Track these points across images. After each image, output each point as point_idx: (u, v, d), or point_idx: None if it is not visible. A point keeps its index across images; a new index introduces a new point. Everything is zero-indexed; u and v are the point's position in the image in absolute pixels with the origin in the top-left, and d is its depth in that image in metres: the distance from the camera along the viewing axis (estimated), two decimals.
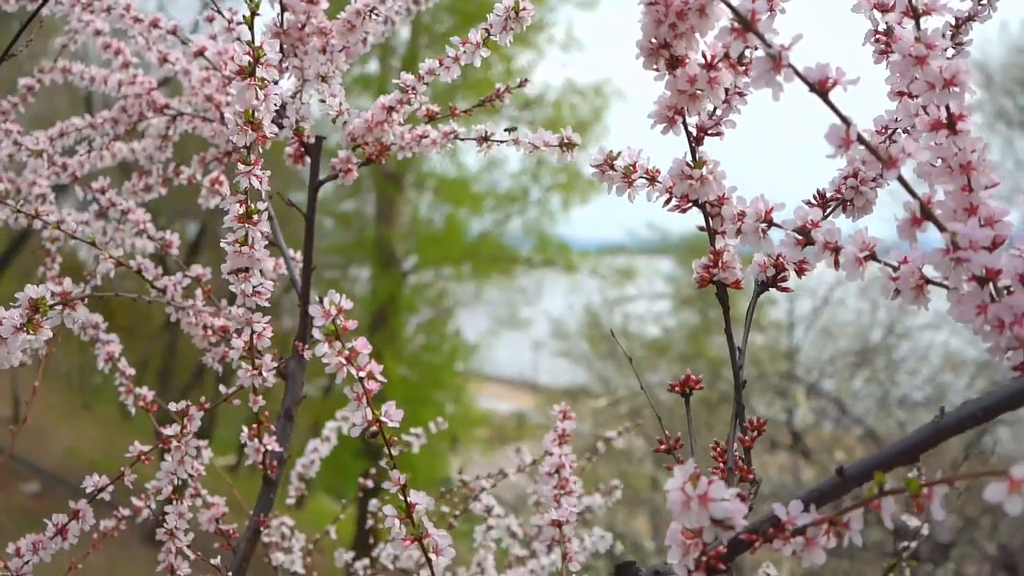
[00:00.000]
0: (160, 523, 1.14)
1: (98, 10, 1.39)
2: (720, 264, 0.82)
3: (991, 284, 0.66)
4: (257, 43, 0.92)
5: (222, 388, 1.16)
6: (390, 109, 1.23)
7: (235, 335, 1.13)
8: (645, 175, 0.83)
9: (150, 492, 1.30)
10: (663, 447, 0.89)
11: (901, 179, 0.65)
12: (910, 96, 0.73)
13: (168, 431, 1.09)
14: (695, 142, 0.79)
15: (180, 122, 1.50)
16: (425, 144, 1.27)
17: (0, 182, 1.51)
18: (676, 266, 10.44)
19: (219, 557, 1.18)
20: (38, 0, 1.34)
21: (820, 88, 0.64)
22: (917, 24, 0.70)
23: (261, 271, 1.05)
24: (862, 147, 0.65)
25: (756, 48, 0.67)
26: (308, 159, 1.29)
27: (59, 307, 0.93)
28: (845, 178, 0.86)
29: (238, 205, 0.99)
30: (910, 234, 0.67)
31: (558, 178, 10.54)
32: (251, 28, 0.91)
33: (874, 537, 6.20)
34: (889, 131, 0.86)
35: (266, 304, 1.08)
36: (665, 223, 9.78)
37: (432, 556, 0.84)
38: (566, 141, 1.15)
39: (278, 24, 1.19)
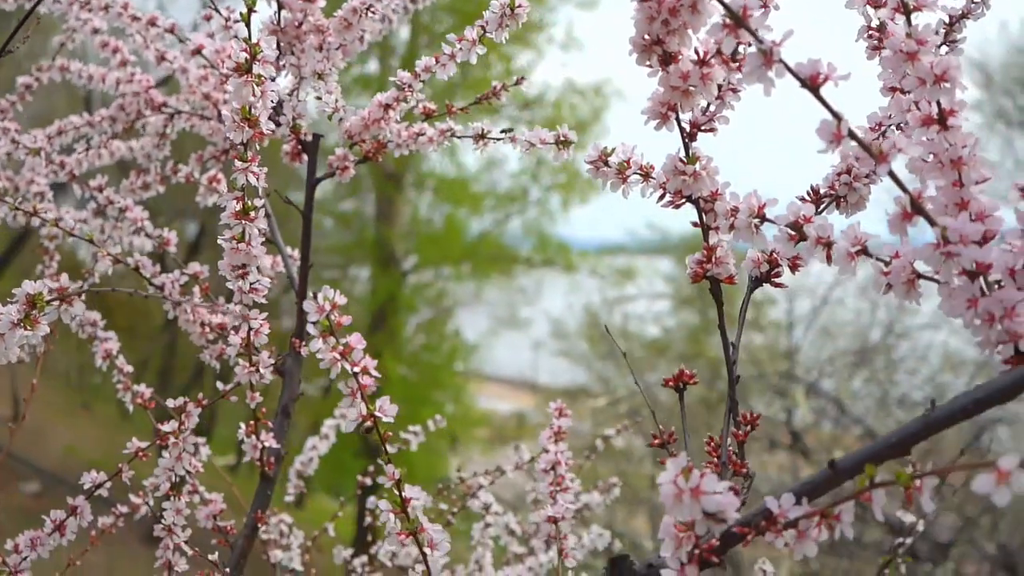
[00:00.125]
0: (158, 520, 1.14)
1: (96, 8, 1.39)
2: (713, 260, 0.82)
3: (982, 278, 0.66)
4: (254, 40, 0.92)
5: (220, 385, 1.16)
6: (387, 107, 1.23)
7: (232, 332, 1.13)
8: (639, 171, 0.84)
9: (148, 489, 1.31)
10: (657, 441, 0.89)
11: (892, 174, 0.66)
12: (902, 92, 0.73)
13: (166, 427, 1.10)
14: (688, 138, 0.80)
15: (178, 120, 1.51)
16: (422, 142, 1.27)
17: None
18: (676, 266, 10.43)
19: (216, 553, 1.18)
20: None
21: (811, 83, 0.64)
22: (908, 20, 0.70)
23: (259, 268, 1.05)
24: (854, 143, 0.66)
25: (749, 44, 0.67)
26: (305, 157, 1.29)
27: (56, 303, 0.93)
28: (839, 174, 0.87)
29: (235, 202, 0.99)
30: (901, 228, 0.67)
31: (558, 178, 10.55)
32: (248, 25, 0.92)
33: (873, 536, 6.20)
34: (883, 128, 0.87)
35: (263, 301, 1.08)
36: (665, 223, 9.78)
37: (427, 551, 0.85)
38: (562, 139, 1.16)
39: (275, 22, 1.19)
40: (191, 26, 1.58)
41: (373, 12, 1.19)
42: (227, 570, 1.16)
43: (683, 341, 9.50)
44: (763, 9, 0.71)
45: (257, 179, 0.98)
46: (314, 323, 0.80)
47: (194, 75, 1.45)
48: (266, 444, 1.19)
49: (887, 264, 0.70)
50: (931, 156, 0.70)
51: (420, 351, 11.11)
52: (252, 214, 1.00)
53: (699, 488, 0.63)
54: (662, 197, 0.82)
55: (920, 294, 0.70)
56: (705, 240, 0.82)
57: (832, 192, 0.87)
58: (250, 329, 1.10)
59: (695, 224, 0.82)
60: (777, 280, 0.85)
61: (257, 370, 1.13)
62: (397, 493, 0.86)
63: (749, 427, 0.83)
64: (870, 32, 0.80)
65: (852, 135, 0.65)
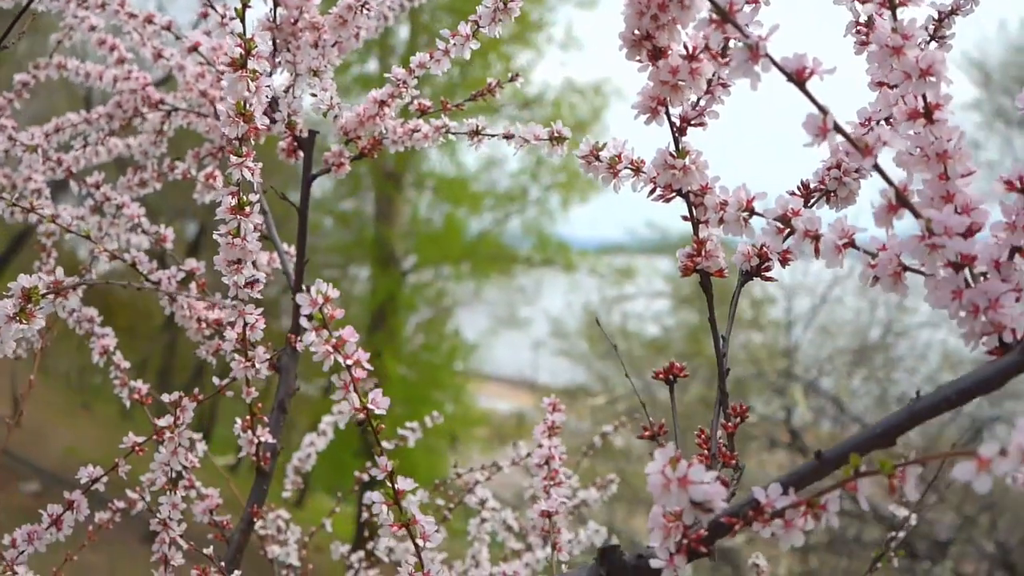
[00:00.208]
0: (154, 515, 1.15)
1: (93, 6, 1.40)
2: (703, 253, 0.83)
3: (967, 270, 0.67)
4: (248, 36, 0.93)
5: (216, 381, 1.17)
6: (382, 103, 1.24)
7: (228, 328, 1.14)
8: (630, 166, 0.84)
9: (145, 484, 1.32)
10: (647, 434, 0.90)
11: (877, 167, 0.66)
12: (889, 87, 0.74)
13: (161, 422, 1.11)
14: (679, 132, 0.80)
15: (175, 117, 1.51)
16: (417, 138, 1.28)
17: None
18: (675, 265, 10.41)
19: (211, 547, 1.19)
20: None
21: (797, 78, 0.65)
22: (894, 15, 0.71)
23: (254, 263, 1.06)
24: (840, 137, 0.66)
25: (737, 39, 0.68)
26: (301, 153, 1.30)
27: (51, 296, 0.94)
28: (828, 169, 0.87)
29: (230, 197, 1.00)
30: (886, 221, 0.68)
31: (557, 177, 10.57)
32: (243, 21, 0.93)
33: (872, 535, 6.21)
34: (872, 122, 0.87)
35: (258, 296, 1.09)
36: (664, 222, 9.79)
37: (420, 542, 0.85)
38: (556, 135, 1.16)
39: (271, 19, 1.20)
40: (191, 25, 1.58)
41: (368, 9, 1.20)
42: (223, 564, 1.17)
43: (682, 340, 9.51)
44: (752, 5, 0.71)
45: (252, 174, 0.99)
46: (307, 316, 0.81)
47: (191, 72, 1.46)
48: (262, 439, 1.20)
49: (874, 257, 0.71)
50: (917, 150, 0.71)
51: (420, 351, 11.12)
52: (247, 209, 1.00)
53: (687, 478, 0.64)
54: (653, 191, 0.83)
55: (906, 286, 0.71)
56: (695, 234, 0.83)
57: (822, 187, 0.87)
58: (245, 324, 1.11)
59: (685, 218, 0.83)
60: (767, 274, 0.86)
61: (253, 365, 1.14)
62: (390, 485, 0.86)
63: (739, 419, 0.84)
64: (858, 27, 0.81)
65: (838, 129, 0.65)
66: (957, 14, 0.90)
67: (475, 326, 11.59)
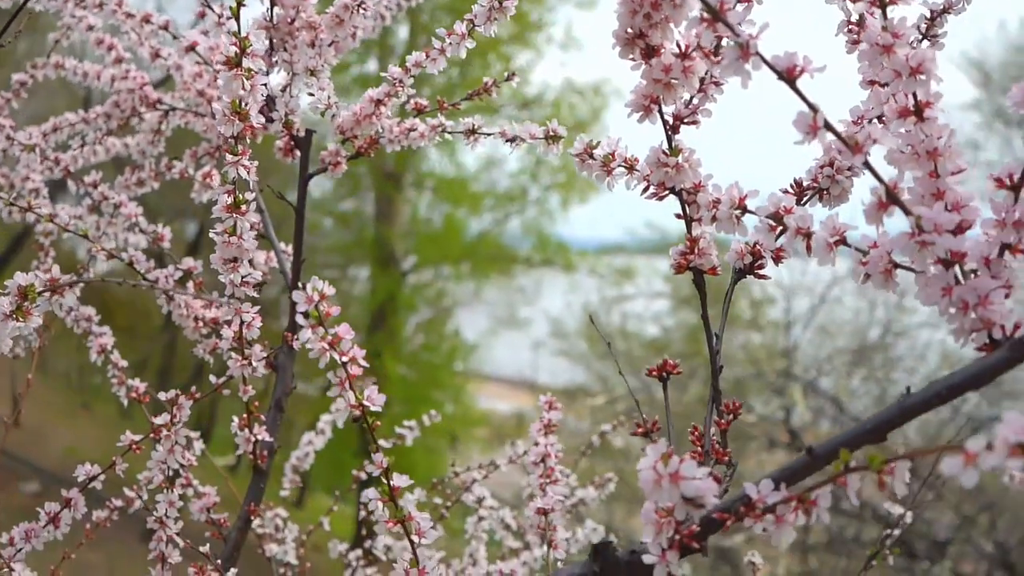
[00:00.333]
0: (151, 513, 1.15)
1: (91, 5, 1.40)
2: (696, 251, 0.83)
3: (958, 267, 0.67)
4: (244, 35, 0.93)
5: (213, 379, 1.17)
6: (378, 102, 1.24)
7: (225, 326, 1.14)
8: (624, 164, 0.85)
9: (142, 483, 1.32)
10: (640, 431, 0.90)
11: (867, 164, 0.67)
12: (880, 85, 0.74)
13: (158, 420, 1.11)
14: (672, 130, 0.81)
15: (173, 117, 1.52)
16: (414, 137, 1.28)
17: None
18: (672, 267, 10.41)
19: (208, 545, 1.19)
20: None
21: (788, 76, 0.65)
22: (884, 14, 0.71)
23: (251, 262, 1.06)
24: (831, 135, 0.67)
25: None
26: (298, 152, 1.30)
27: (48, 294, 0.94)
28: (821, 167, 0.88)
29: (226, 195, 1.01)
30: (876, 218, 0.68)
31: (557, 177, 10.58)
32: (237, 19, 0.93)
33: (871, 535, 6.21)
34: (864, 121, 0.88)
35: (255, 294, 1.09)
36: (664, 222, 9.79)
37: (415, 538, 0.86)
38: (552, 133, 1.17)
39: (268, 18, 1.20)
40: (190, 25, 1.59)
41: (365, 9, 1.20)
42: (219, 562, 1.17)
43: (682, 340, 9.52)
44: (744, 4, 0.72)
45: (248, 172, 0.99)
46: (303, 313, 0.81)
47: (188, 72, 1.46)
48: (259, 437, 1.20)
49: (865, 254, 0.71)
50: (908, 147, 0.71)
51: (420, 351, 11.13)
52: (243, 207, 1.01)
53: (678, 473, 0.64)
54: (646, 189, 0.83)
55: (897, 283, 0.71)
56: (688, 231, 0.83)
57: (815, 185, 0.88)
58: (242, 323, 1.11)
59: (678, 216, 0.83)
60: (760, 272, 0.86)
61: (249, 364, 1.14)
62: (386, 482, 0.87)
63: (732, 416, 0.84)
64: (850, 26, 0.81)
65: (828, 127, 0.66)
66: (949, 13, 0.91)
67: (475, 326, 11.60)
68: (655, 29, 0.74)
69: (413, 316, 11.21)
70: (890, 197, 0.67)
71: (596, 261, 11.14)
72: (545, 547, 1.74)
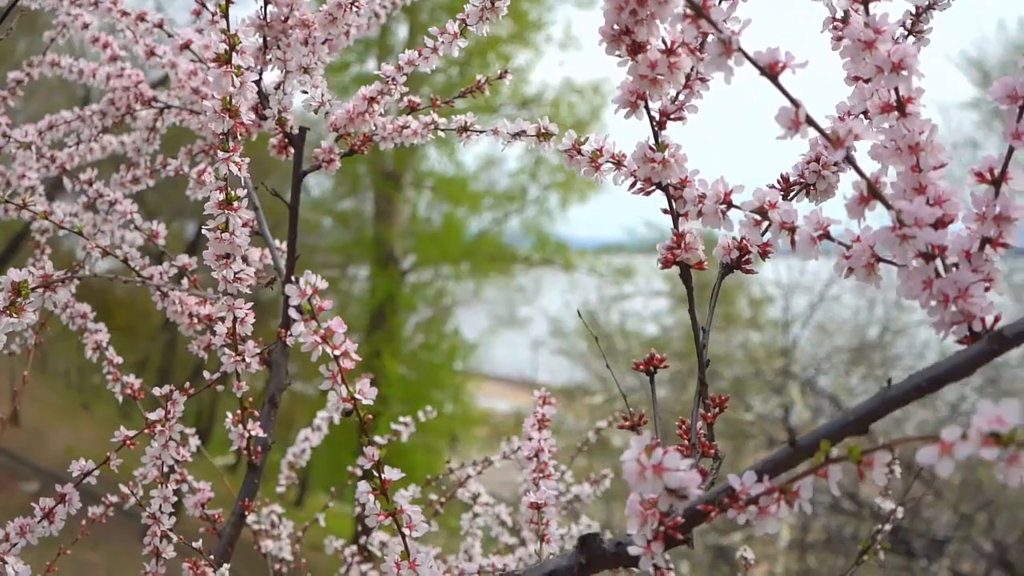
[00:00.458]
0: (144, 508, 1.16)
1: (86, 4, 1.41)
2: (683, 246, 0.84)
3: (940, 261, 0.68)
4: (233, 32, 0.94)
5: (206, 374, 1.18)
6: (371, 100, 1.25)
7: (219, 322, 1.15)
8: (611, 159, 0.85)
9: (137, 479, 1.33)
10: (627, 424, 0.91)
11: (849, 159, 0.67)
12: (864, 81, 0.75)
13: (152, 416, 1.12)
14: (658, 126, 0.81)
15: (168, 115, 1.53)
16: (407, 134, 1.29)
17: None
18: (671, 266, 10.42)
19: (200, 540, 1.20)
20: None
21: (770, 71, 0.66)
22: (866, 9, 0.72)
23: (245, 258, 1.07)
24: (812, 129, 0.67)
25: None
26: (292, 150, 1.31)
27: (41, 290, 0.95)
28: (808, 162, 0.88)
29: (218, 192, 1.01)
30: (858, 212, 0.69)
31: (556, 177, 10.58)
32: (226, 17, 0.94)
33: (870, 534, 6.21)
34: (850, 116, 0.88)
35: (247, 290, 1.10)
36: (663, 221, 9.76)
37: (406, 531, 0.86)
38: (542, 131, 1.17)
39: (261, 16, 1.21)
40: (190, 24, 1.59)
41: (358, 7, 1.21)
42: (212, 557, 1.18)
43: (681, 339, 9.52)
44: (728, 1, 0.72)
45: (239, 169, 1.00)
46: (295, 307, 0.82)
47: (183, 70, 1.47)
48: (253, 433, 1.21)
49: (849, 248, 0.72)
50: (891, 142, 0.72)
51: (419, 350, 11.13)
52: (235, 204, 1.01)
53: (661, 465, 0.65)
54: (633, 185, 0.84)
55: (880, 277, 0.72)
56: (675, 226, 0.84)
57: (802, 180, 0.88)
58: (235, 319, 1.12)
59: (665, 211, 0.84)
60: (747, 266, 0.87)
61: (243, 359, 1.15)
62: (377, 475, 0.87)
63: (718, 409, 0.85)
64: (835, 23, 0.82)
65: (810, 122, 0.66)
66: (934, 8, 0.91)
67: (474, 325, 11.60)
68: (641, 25, 0.75)
69: (413, 315, 11.22)
70: (871, 191, 0.68)
71: (595, 260, 11.15)
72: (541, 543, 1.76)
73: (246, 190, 1.03)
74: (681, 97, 0.82)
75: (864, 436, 0.69)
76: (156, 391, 1.11)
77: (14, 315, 0.90)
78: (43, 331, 1.50)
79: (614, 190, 0.89)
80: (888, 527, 1.38)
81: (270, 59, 1.23)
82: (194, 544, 1.17)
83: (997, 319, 0.66)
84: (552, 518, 1.26)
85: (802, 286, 8.46)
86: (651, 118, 0.81)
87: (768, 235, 0.79)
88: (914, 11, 0.90)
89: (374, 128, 1.29)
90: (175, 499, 1.18)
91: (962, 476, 5.98)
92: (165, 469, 1.16)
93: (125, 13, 1.41)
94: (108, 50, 1.51)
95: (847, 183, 0.92)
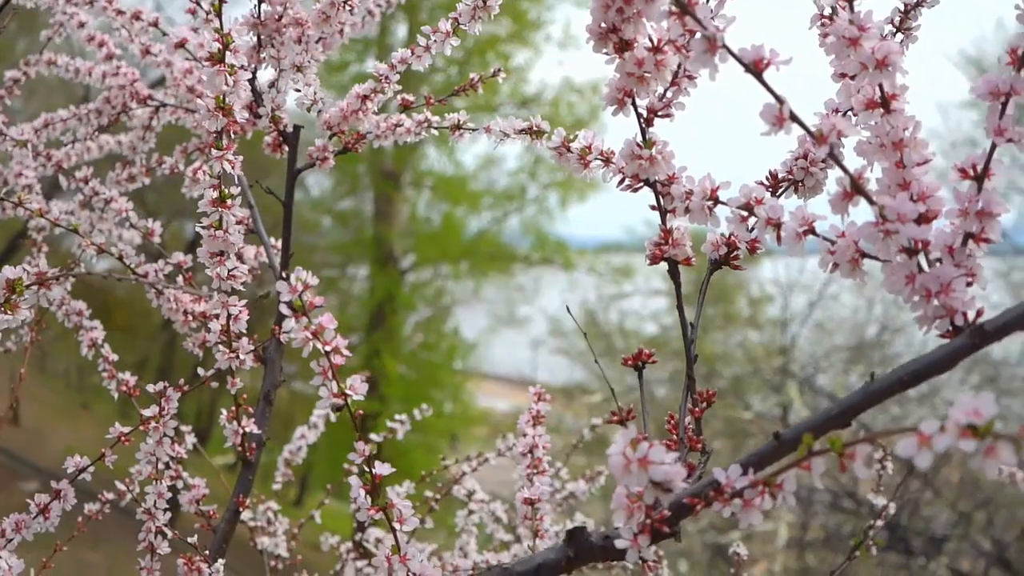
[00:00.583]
0: (139, 504, 1.17)
1: (81, 3, 1.42)
2: (671, 242, 0.85)
3: (923, 256, 0.69)
4: (226, 31, 0.94)
5: (200, 371, 1.18)
6: (364, 98, 1.25)
7: (213, 319, 1.15)
8: (600, 156, 0.86)
9: (133, 476, 1.33)
10: (616, 419, 0.91)
11: (832, 155, 0.68)
12: (851, 77, 0.76)
13: (147, 412, 1.12)
14: (646, 123, 0.82)
15: (163, 113, 1.53)
16: (400, 133, 1.30)
17: None
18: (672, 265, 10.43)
19: (195, 536, 1.20)
20: None
21: (755, 68, 0.66)
22: (851, 6, 0.72)
23: (240, 256, 1.08)
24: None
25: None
26: (286, 148, 1.31)
27: (35, 287, 0.96)
28: (796, 159, 0.89)
29: (212, 190, 1.02)
30: (842, 208, 0.70)
31: (555, 176, 10.58)
32: (219, 16, 0.94)
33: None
34: (838, 113, 0.89)
35: (241, 288, 1.10)
36: None
37: (396, 525, 0.87)
38: (534, 129, 1.18)
39: (255, 15, 1.21)
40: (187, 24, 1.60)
41: (351, 6, 1.22)
42: (207, 553, 1.19)
43: (680, 338, 9.51)
44: None
45: (233, 167, 1.00)
46: (287, 303, 0.82)
47: (178, 68, 1.48)
48: (247, 430, 1.22)
49: (833, 244, 0.73)
50: (876, 139, 0.72)
51: (419, 349, 11.14)
52: (229, 201, 1.02)
53: (647, 458, 0.66)
54: (622, 181, 0.85)
55: (865, 272, 0.72)
56: (663, 223, 0.85)
57: (790, 177, 0.89)
58: (229, 316, 1.13)
59: (653, 207, 0.85)
60: (735, 262, 0.87)
61: (237, 356, 1.15)
62: (368, 471, 0.88)
63: (705, 404, 0.86)
64: (822, 20, 0.83)
65: (794, 118, 0.67)
66: (923, 6, 0.92)
67: (474, 325, 11.61)
68: (628, 23, 0.76)
69: (412, 315, 11.22)
70: (855, 187, 0.68)
71: (595, 259, 11.15)
72: (537, 540, 1.76)
73: (240, 188, 1.04)
74: (668, 94, 0.83)
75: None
76: (150, 388, 1.12)
77: (9, 312, 0.91)
78: (40, 329, 1.50)
79: (613, 189, 0.89)
80: (880, 523, 1.38)
81: (264, 57, 1.24)
82: (189, 540, 1.18)
83: (979, 314, 0.66)
84: (546, 514, 1.27)
85: (801, 285, 8.48)
86: (638, 115, 0.81)
87: (755, 231, 0.80)
88: (902, 8, 0.90)
89: (367, 126, 1.29)
90: (170, 495, 1.18)
91: (960, 474, 5.99)
92: (160, 466, 1.17)
93: (120, 12, 1.41)
94: (104, 49, 1.52)
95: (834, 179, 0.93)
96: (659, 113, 0.82)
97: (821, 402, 7.43)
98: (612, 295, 10.87)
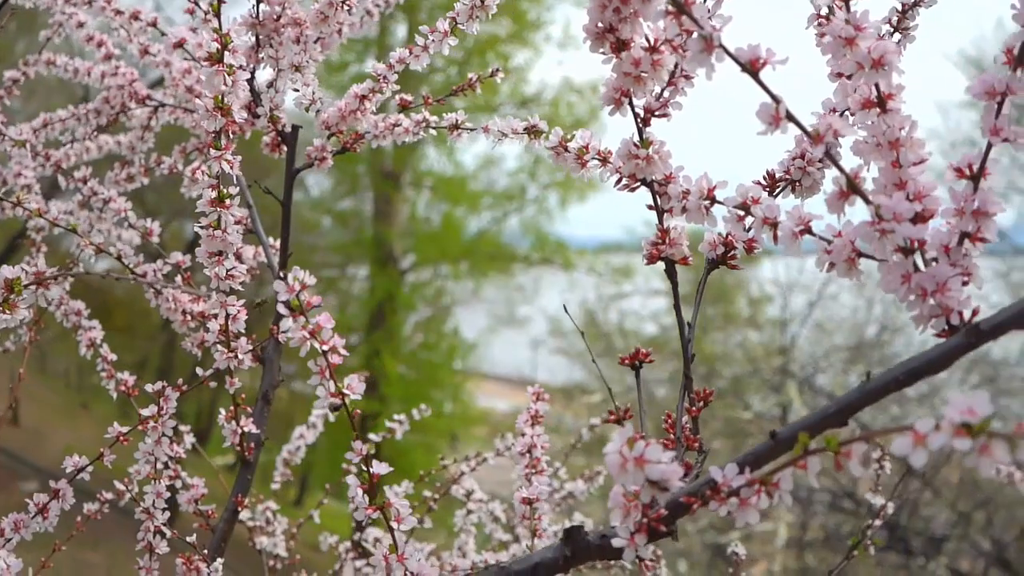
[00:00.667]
0: (138, 504, 1.17)
1: (80, 2, 1.42)
2: (668, 241, 0.85)
3: (919, 255, 0.69)
4: (225, 31, 0.95)
5: (199, 371, 1.19)
6: (362, 98, 1.26)
7: (212, 319, 1.15)
8: (597, 156, 0.86)
9: (132, 475, 1.33)
10: (613, 418, 0.92)
11: (828, 154, 0.68)
12: (847, 77, 0.76)
13: (145, 412, 1.12)
14: (643, 123, 0.82)
15: (162, 113, 1.53)
16: (398, 132, 1.30)
17: None
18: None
19: (194, 536, 1.20)
20: None
21: (751, 68, 0.67)
22: (847, 6, 0.73)
23: (239, 256, 1.08)
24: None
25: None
26: (285, 148, 1.32)
27: (33, 287, 0.96)
28: (793, 159, 0.89)
29: (210, 190, 1.02)
30: (838, 207, 0.70)
31: (555, 176, 10.59)
32: (218, 16, 0.94)
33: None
34: (836, 113, 0.89)
35: (240, 287, 1.10)
36: None
37: (394, 525, 0.87)
38: (532, 128, 1.18)
39: (254, 15, 1.22)
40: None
41: (349, 6, 1.22)
42: (205, 552, 1.19)
43: (679, 338, 9.53)
44: None
45: (231, 167, 1.00)
46: (284, 303, 0.82)
47: (177, 68, 1.48)
48: (246, 429, 1.22)
49: (830, 243, 0.73)
50: (872, 138, 0.73)
51: (418, 349, 11.14)
52: (227, 201, 1.02)
53: (643, 457, 0.66)
54: (619, 181, 0.85)
55: (862, 271, 0.73)
56: (660, 222, 0.85)
57: (787, 176, 0.89)
58: (227, 316, 1.13)
59: (650, 207, 0.85)
60: (733, 262, 0.88)
61: (236, 356, 1.16)
62: (365, 469, 0.88)
63: (702, 403, 0.86)
64: (819, 20, 0.83)
65: (791, 117, 0.67)
66: (920, 5, 0.92)
67: (474, 325, 11.61)
68: (624, 23, 0.76)
69: (412, 315, 11.22)
70: (851, 186, 0.68)
71: (594, 259, 11.16)
72: (536, 539, 1.76)
73: (238, 188, 1.04)
74: (666, 94, 0.83)
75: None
76: (148, 387, 1.12)
77: (7, 311, 0.91)
78: (39, 329, 1.51)
79: (613, 190, 0.90)
80: (879, 522, 1.38)
81: (262, 58, 1.24)
82: (188, 539, 1.18)
83: (975, 313, 0.66)
84: (545, 514, 1.27)
85: (800, 285, 8.49)
86: (635, 115, 0.81)
87: (752, 231, 0.80)
88: (900, 8, 0.90)
89: (365, 126, 1.30)
90: (168, 495, 1.18)
91: (960, 474, 5.99)
92: (159, 466, 1.17)
93: (119, 12, 1.42)
94: (103, 49, 1.52)
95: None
96: (656, 113, 0.82)
97: (820, 402, 7.43)
98: (612, 295, 10.87)
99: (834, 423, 0.67)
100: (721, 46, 0.66)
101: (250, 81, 1.25)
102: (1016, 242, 8.12)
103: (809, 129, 0.68)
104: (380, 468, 0.88)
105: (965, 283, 0.67)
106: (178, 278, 1.36)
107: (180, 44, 1.39)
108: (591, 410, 8.38)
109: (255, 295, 1.32)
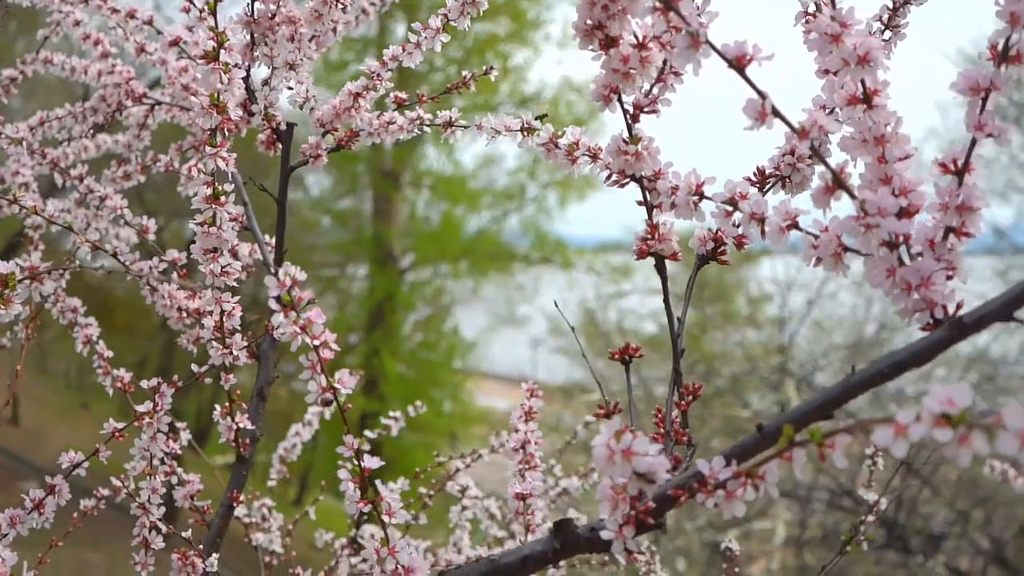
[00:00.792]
0: (134, 499, 1.18)
1: (76, 1, 1.42)
2: (657, 236, 0.85)
3: (904, 250, 0.69)
4: (220, 29, 0.95)
5: (194, 367, 1.19)
6: (357, 95, 1.26)
7: (207, 316, 1.16)
8: (587, 152, 0.87)
9: (129, 472, 1.34)
10: (602, 413, 0.92)
11: (814, 150, 0.69)
12: (833, 73, 0.76)
13: (141, 408, 1.13)
14: (632, 120, 0.83)
15: (158, 111, 1.54)
16: (393, 130, 1.30)
17: None
18: (672, 263, 10.45)
19: (191, 532, 1.21)
20: None
21: (737, 64, 0.67)
22: (833, 3, 0.73)
23: (235, 253, 1.08)
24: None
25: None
26: (280, 145, 1.32)
27: (27, 281, 0.96)
28: (783, 155, 0.90)
29: (205, 187, 1.03)
30: (823, 202, 0.70)
31: (555, 175, 10.60)
32: (214, 14, 0.95)
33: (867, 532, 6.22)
34: (826, 110, 0.90)
35: (235, 284, 1.11)
36: None
37: (385, 519, 0.88)
38: (526, 126, 1.18)
39: (248, 13, 1.22)
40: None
41: (344, 5, 1.22)
42: (201, 547, 1.19)
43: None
44: None
45: (227, 164, 1.01)
46: (275, 298, 0.83)
47: (173, 67, 1.48)
48: (241, 425, 1.22)
49: (816, 238, 0.73)
50: (858, 134, 0.73)
51: (418, 349, 11.16)
52: (222, 198, 1.03)
53: (630, 450, 0.66)
54: (609, 177, 0.85)
55: (847, 266, 0.73)
56: (649, 218, 0.86)
57: (777, 173, 0.90)
58: (222, 312, 1.13)
59: (639, 202, 0.85)
60: (723, 257, 0.88)
61: (231, 352, 1.16)
62: (356, 463, 0.88)
63: (691, 397, 0.86)
64: (807, 17, 0.83)
65: (777, 113, 0.68)
66: (911, 3, 0.93)
67: (473, 324, 11.62)
68: (613, 20, 0.76)
69: (411, 314, 11.24)
70: (836, 181, 0.69)
71: (594, 258, 11.17)
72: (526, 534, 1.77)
73: (234, 185, 1.04)
74: (655, 91, 0.83)
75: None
76: (144, 384, 1.13)
77: (1, 306, 0.92)
78: (37, 327, 1.51)
79: (613, 188, 0.90)
80: (872, 518, 1.39)
81: (258, 55, 1.25)
82: (184, 535, 1.18)
83: (959, 306, 0.67)
84: (540, 510, 1.28)
85: (799, 283, 8.49)
86: (624, 111, 0.82)
87: (740, 226, 0.80)
88: (891, 6, 0.91)
89: (360, 124, 1.30)
90: (164, 491, 1.19)
91: (959, 472, 6.00)
92: (154, 462, 1.17)
93: (115, 10, 1.42)
94: (99, 47, 1.53)
95: None
96: (645, 109, 0.83)
97: None
98: (611, 294, 10.88)
99: (819, 416, 0.68)
100: (708, 42, 0.67)
101: (245, 79, 1.25)
102: (1015, 241, 8.12)
103: (795, 125, 0.69)
104: (371, 462, 0.88)
105: (950, 277, 0.68)
106: (174, 275, 1.36)
107: (175, 42, 1.39)
108: (590, 409, 8.37)
109: (253, 292, 1.33)
